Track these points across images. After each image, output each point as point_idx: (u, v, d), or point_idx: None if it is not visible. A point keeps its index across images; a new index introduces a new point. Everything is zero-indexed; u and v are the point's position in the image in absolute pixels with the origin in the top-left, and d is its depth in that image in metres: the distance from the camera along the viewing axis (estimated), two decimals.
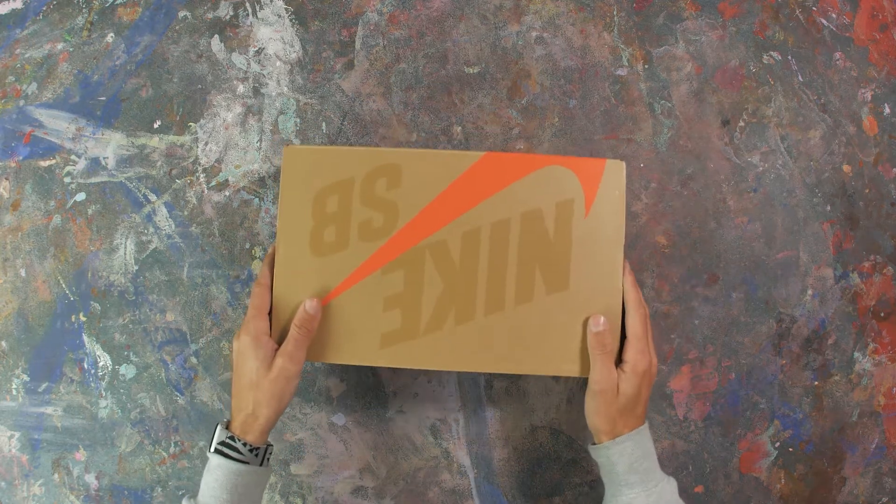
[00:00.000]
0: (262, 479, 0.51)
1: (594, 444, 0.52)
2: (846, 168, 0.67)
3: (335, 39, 0.67)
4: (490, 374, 0.65)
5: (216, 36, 0.68)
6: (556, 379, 0.65)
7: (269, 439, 0.53)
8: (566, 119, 0.66)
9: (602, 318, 0.50)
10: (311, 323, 0.50)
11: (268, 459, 0.51)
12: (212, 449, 0.49)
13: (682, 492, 0.54)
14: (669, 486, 0.50)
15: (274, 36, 0.67)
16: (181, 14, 0.68)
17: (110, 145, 0.67)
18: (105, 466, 0.66)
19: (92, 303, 0.66)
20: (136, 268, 0.66)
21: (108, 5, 0.68)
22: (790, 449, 0.65)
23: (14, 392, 0.66)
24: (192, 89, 0.67)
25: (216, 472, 0.49)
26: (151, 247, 0.66)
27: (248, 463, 0.49)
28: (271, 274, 0.52)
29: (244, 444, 0.49)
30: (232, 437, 0.49)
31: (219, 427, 0.50)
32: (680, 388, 0.65)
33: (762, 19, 0.67)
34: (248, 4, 0.68)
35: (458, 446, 0.65)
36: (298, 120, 0.66)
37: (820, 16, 0.67)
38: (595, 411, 0.50)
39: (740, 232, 0.65)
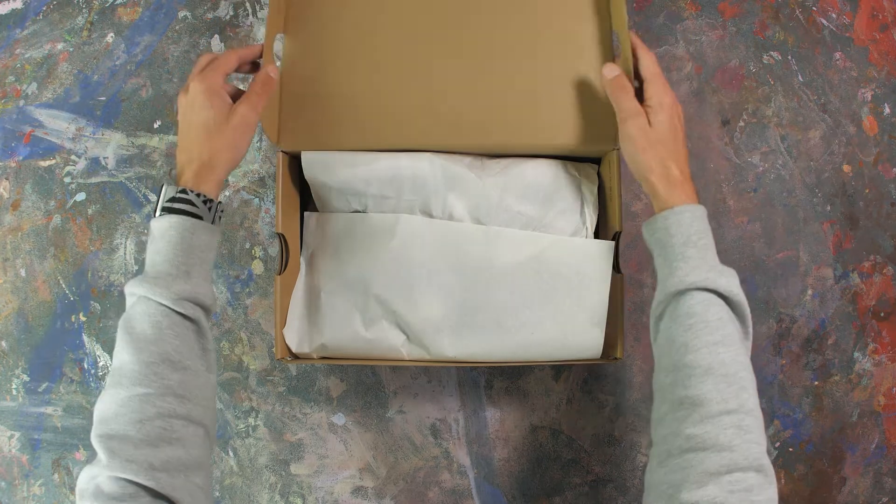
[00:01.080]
0: (214, 241, 0.45)
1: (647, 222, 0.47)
2: (846, 168, 0.66)
3: None
4: (490, 373, 0.65)
5: (216, 36, 0.68)
6: (555, 379, 0.65)
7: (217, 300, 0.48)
8: None
9: (613, 65, 0.50)
10: (272, 86, 0.49)
11: (219, 219, 0.46)
12: (158, 210, 0.43)
13: None
14: (730, 272, 0.44)
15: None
16: (181, 14, 0.68)
17: (110, 145, 0.67)
18: None
19: (92, 303, 0.66)
20: (136, 268, 0.66)
21: (108, 5, 0.68)
22: (790, 449, 0.65)
23: (14, 392, 0.66)
24: None
25: (169, 234, 0.42)
26: None
27: (201, 218, 0.43)
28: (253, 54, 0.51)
29: (198, 196, 0.43)
30: (184, 191, 0.43)
31: (164, 186, 0.44)
32: None
33: (762, 19, 0.67)
34: (248, 4, 0.68)
35: (458, 446, 0.65)
36: None
37: (820, 16, 0.67)
38: (635, 148, 0.46)
39: (740, 232, 0.65)
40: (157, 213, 0.43)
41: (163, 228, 0.43)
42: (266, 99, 0.48)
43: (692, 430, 0.37)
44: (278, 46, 0.56)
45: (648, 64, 0.49)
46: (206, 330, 0.43)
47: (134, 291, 0.42)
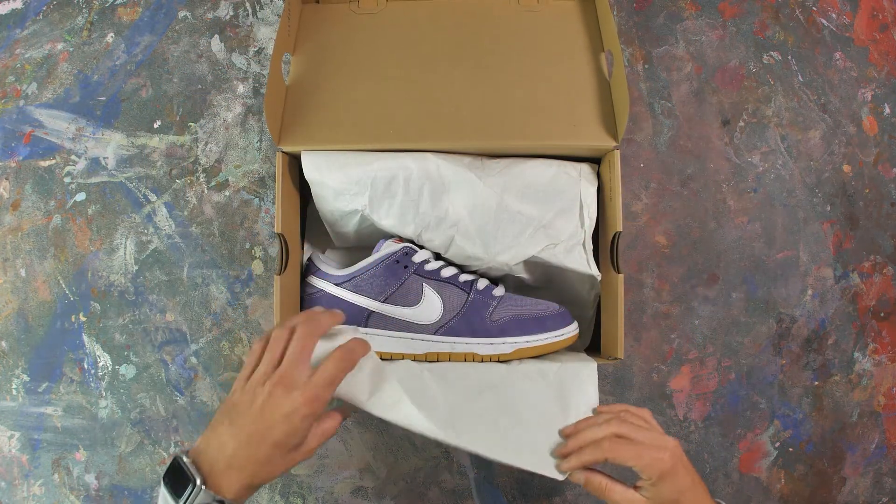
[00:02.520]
0: None
1: None
2: (846, 168, 0.66)
3: None
4: None
5: (216, 36, 0.68)
6: None
7: None
8: None
9: (579, 474, 0.45)
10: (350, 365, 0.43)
11: None
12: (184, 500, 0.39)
13: None
14: None
15: (274, 36, 0.67)
16: (181, 14, 0.68)
17: (110, 145, 0.67)
18: (105, 466, 0.66)
19: (92, 303, 0.66)
20: (136, 268, 0.66)
21: (108, 5, 0.68)
22: (790, 449, 0.65)
23: (14, 392, 0.66)
24: (192, 89, 0.67)
25: None
26: (151, 247, 0.66)
27: None
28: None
29: None
30: (222, 502, 0.39)
31: (197, 487, 0.38)
32: (680, 388, 0.65)
33: (762, 19, 0.67)
34: (248, 4, 0.68)
35: None
36: None
37: (820, 16, 0.67)
38: None
39: (740, 232, 0.65)
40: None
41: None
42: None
43: None
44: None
45: (628, 457, 0.43)
46: None
47: None
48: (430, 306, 0.54)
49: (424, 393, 0.48)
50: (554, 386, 0.51)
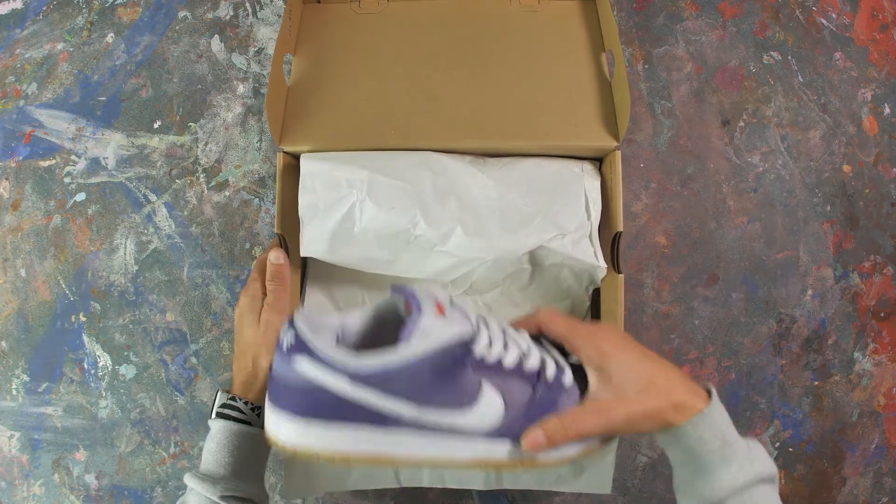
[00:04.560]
0: (263, 444, 0.49)
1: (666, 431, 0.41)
2: (846, 168, 0.66)
3: None
4: None
5: (216, 36, 0.68)
6: None
7: None
8: None
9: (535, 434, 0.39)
10: (282, 273, 0.52)
11: None
12: (213, 413, 0.49)
13: None
14: (760, 446, 0.41)
15: (274, 36, 0.67)
16: (181, 14, 0.68)
17: (110, 145, 0.67)
18: (105, 466, 0.66)
19: (92, 303, 0.66)
20: (136, 268, 0.66)
21: (108, 5, 0.68)
22: (790, 449, 0.65)
23: (14, 392, 0.66)
24: (192, 89, 0.67)
25: (218, 436, 0.48)
26: (151, 247, 0.66)
27: (250, 423, 0.48)
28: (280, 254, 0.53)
29: (245, 403, 0.49)
30: (233, 398, 0.49)
31: (219, 392, 0.50)
32: None
33: (762, 19, 0.67)
34: (248, 4, 0.68)
35: None
36: None
37: (820, 16, 0.67)
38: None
39: (740, 232, 0.65)
40: (213, 416, 0.49)
41: (214, 431, 0.48)
42: (285, 290, 0.52)
43: None
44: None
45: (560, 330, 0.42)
46: None
47: (188, 483, 0.47)
48: (490, 408, 0.40)
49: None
50: None
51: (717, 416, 0.40)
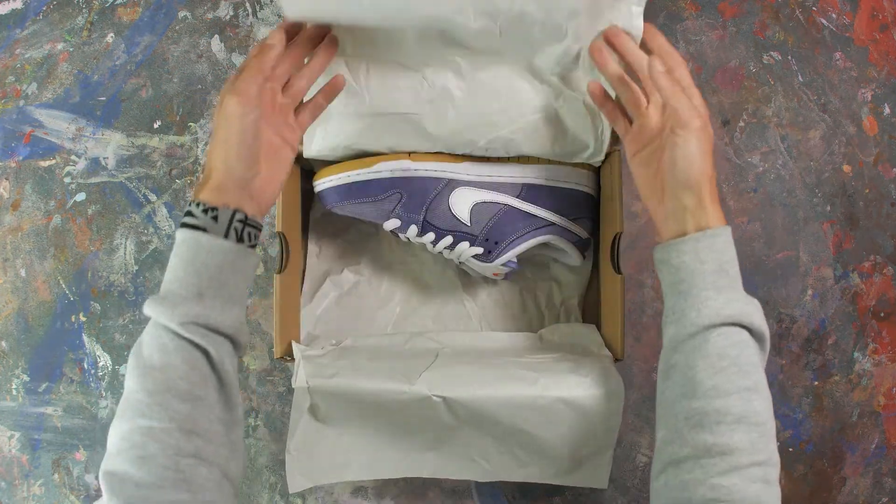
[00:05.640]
0: (234, 260, 0.38)
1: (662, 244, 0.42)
2: (846, 168, 0.66)
3: None
4: None
5: (216, 36, 0.68)
6: None
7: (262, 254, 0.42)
8: None
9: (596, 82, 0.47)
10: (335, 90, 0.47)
11: (241, 236, 0.39)
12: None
13: None
14: (758, 304, 0.40)
15: None
16: (181, 14, 0.68)
17: (110, 145, 0.67)
18: None
19: (92, 303, 0.66)
20: (136, 268, 0.66)
21: (108, 5, 0.68)
22: (790, 449, 0.65)
23: (14, 392, 0.66)
24: (192, 89, 0.67)
25: (179, 250, 0.38)
26: (151, 247, 0.66)
27: (205, 230, 0.37)
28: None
29: (198, 205, 0.38)
30: (195, 203, 0.38)
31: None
32: None
33: (762, 19, 0.67)
34: (248, 4, 0.68)
35: None
36: None
37: (820, 16, 0.67)
38: (642, 176, 0.44)
39: (740, 232, 0.65)
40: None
41: (176, 243, 0.38)
42: (322, 64, 0.46)
43: (719, 480, 0.36)
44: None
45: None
46: (220, 363, 0.37)
47: (145, 311, 0.37)
48: None
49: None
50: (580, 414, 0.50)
51: (723, 244, 0.40)
